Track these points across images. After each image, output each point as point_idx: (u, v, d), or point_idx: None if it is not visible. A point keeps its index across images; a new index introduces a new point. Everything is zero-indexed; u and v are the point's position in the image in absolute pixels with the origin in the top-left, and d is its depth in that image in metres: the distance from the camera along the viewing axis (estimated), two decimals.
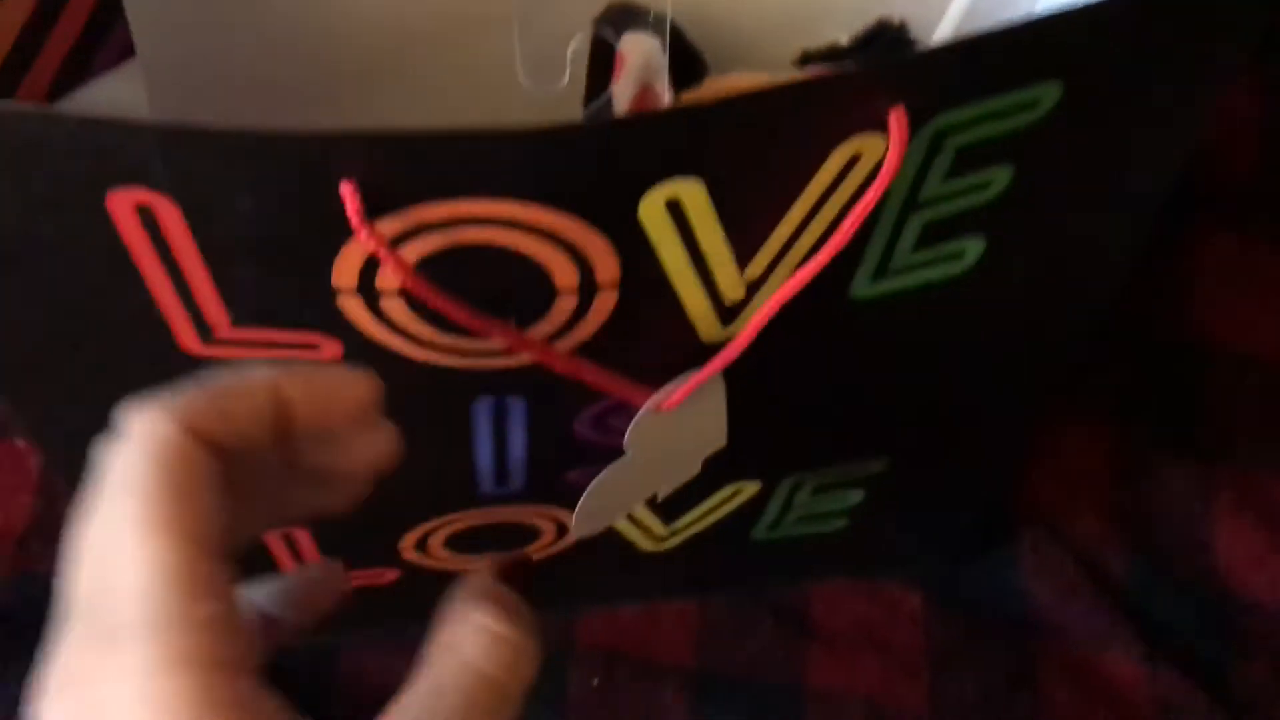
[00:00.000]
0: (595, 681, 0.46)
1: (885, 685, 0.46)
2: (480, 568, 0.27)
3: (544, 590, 0.28)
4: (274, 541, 0.38)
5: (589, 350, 0.29)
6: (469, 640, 0.24)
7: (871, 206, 0.26)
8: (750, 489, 0.40)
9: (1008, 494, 0.50)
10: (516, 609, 0.25)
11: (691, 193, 0.25)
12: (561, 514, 0.37)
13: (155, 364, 0.29)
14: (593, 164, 0.24)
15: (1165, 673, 0.47)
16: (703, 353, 0.30)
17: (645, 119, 0.26)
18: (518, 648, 0.24)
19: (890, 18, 0.39)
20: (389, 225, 0.24)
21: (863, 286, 0.31)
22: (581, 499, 0.34)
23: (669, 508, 0.41)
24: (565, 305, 0.27)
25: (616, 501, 0.36)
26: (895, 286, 0.31)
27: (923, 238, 0.30)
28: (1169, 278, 0.54)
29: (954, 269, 0.31)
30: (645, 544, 0.43)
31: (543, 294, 0.27)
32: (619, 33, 0.35)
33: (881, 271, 0.30)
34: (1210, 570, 0.49)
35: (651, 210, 0.25)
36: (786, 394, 0.35)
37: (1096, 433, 0.51)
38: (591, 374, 0.29)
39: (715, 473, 0.39)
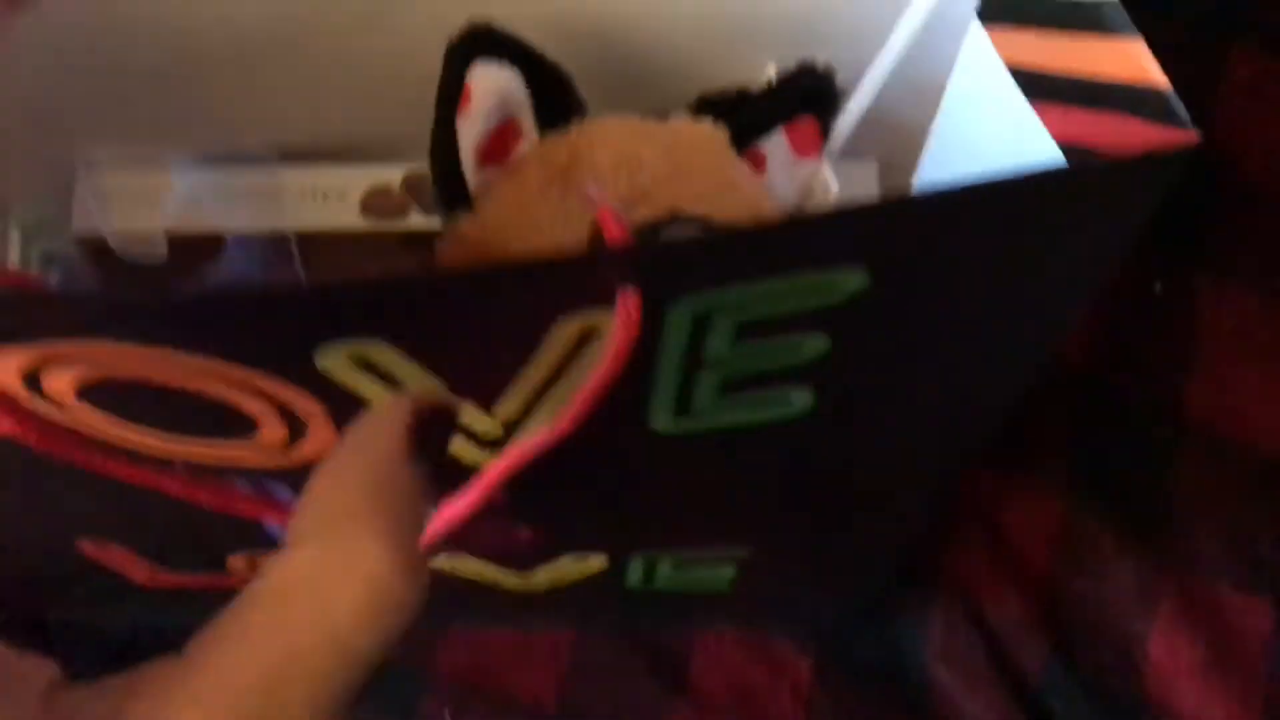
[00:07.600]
0: (447, 714, 0.43)
1: None
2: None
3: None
4: None
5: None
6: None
7: (605, 384, 0.21)
8: (597, 561, 0.37)
9: (915, 560, 0.45)
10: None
11: (381, 353, 0.21)
12: None
13: None
14: (261, 322, 0.20)
15: None
16: (469, 475, 0.26)
17: (318, 289, 0.21)
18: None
19: (814, 61, 0.33)
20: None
21: (663, 422, 0.26)
22: None
23: (517, 562, 0.38)
24: (271, 436, 0.24)
25: None
26: (706, 425, 0.27)
27: (726, 388, 0.25)
28: (1164, 346, 0.48)
29: (784, 411, 0.27)
30: (510, 583, 0.40)
31: (244, 421, 0.23)
32: (467, 62, 0.30)
33: (683, 412, 0.26)
34: (1136, 683, 0.45)
35: (335, 364, 0.21)
36: (596, 498, 0.31)
37: (1041, 504, 0.46)
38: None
39: (551, 543, 0.36)
